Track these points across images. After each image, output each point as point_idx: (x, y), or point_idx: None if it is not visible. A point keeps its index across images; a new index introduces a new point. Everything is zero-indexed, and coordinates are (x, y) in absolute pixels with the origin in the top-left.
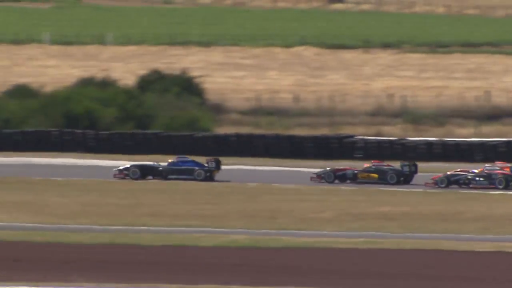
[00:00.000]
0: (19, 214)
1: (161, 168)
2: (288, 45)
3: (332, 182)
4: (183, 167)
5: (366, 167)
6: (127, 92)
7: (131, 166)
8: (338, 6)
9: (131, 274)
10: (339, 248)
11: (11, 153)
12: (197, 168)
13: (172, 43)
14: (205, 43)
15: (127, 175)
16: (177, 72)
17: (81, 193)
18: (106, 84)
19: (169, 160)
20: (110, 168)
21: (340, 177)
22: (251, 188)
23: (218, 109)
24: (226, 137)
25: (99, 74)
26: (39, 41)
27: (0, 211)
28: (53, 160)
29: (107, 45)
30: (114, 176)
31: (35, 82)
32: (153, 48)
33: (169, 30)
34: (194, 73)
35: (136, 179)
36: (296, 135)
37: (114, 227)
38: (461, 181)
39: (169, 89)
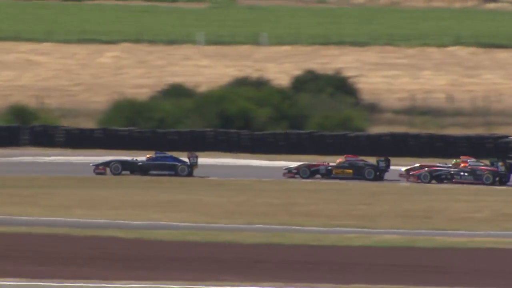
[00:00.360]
0: (175, 214)
1: (140, 164)
2: (442, 45)
3: (307, 178)
4: (165, 163)
5: (339, 163)
6: (281, 92)
7: (112, 161)
8: (493, 5)
9: (285, 273)
10: (495, 248)
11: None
12: (179, 163)
13: (326, 43)
14: (359, 43)
15: (109, 169)
16: (331, 72)
17: (235, 193)
18: (260, 84)
19: (148, 156)
20: (263, 168)
21: (313, 172)
22: (404, 188)
23: (372, 109)
24: (379, 137)
25: (253, 74)
26: (194, 41)
27: (155, 210)
28: (207, 160)
29: (261, 45)
30: (94, 171)
31: (189, 82)
32: (307, 48)
33: (323, 30)
34: (348, 73)
35: (118, 174)
36: (450, 135)
37: (268, 226)
38: (443, 176)
39: (323, 89)
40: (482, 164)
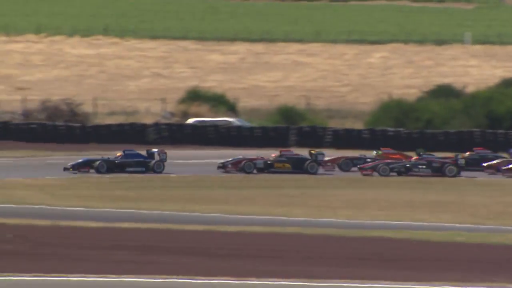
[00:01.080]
0: (441, 214)
1: (117, 161)
2: None
3: (251, 172)
4: (139, 160)
5: (276, 157)
6: None
7: (100, 160)
8: None
9: None
10: None
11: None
12: (153, 160)
13: None
14: None
15: (93, 168)
16: None
17: (503, 193)
18: None
19: (117, 154)
20: None
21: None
22: None
23: None
24: None
25: None
26: (461, 41)
27: (423, 211)
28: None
29: None
30: (64, 169)
31: (457, 82)
32: None
33: None
34: None
35: (104, 172)
36: None
37: None
38: (396, 169)
39: None
40: (433, 156)
